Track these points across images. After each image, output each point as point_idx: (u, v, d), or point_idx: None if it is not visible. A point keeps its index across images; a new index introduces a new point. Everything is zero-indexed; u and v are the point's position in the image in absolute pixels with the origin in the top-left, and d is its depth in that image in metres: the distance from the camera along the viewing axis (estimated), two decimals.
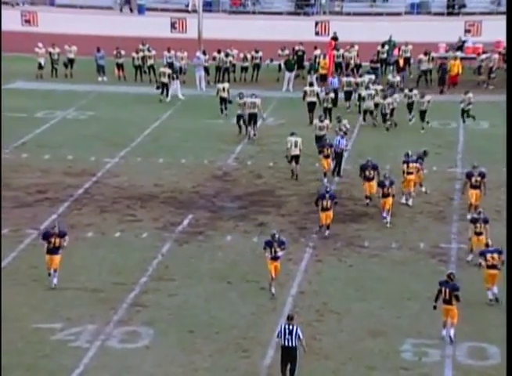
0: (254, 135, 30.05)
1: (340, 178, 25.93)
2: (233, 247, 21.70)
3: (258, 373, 16.18)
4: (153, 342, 17.20)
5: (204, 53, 38.08)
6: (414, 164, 23.76)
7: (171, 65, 37.25)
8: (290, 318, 15.74)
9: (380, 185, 22.82)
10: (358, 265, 20.68)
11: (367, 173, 23.68)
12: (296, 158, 26.04)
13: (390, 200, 22.62)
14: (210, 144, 29.65)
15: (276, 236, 19.14)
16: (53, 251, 19.13)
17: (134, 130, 30.65)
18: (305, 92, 31.91)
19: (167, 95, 35.32)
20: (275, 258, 19.05)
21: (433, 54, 37.50)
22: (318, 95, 31.75)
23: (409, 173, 23.66)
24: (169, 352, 16.88)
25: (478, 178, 22.53)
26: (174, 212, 23.82)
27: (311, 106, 31.67)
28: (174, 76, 35.82)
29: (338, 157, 26.10)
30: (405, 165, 23.69)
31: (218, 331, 17.64)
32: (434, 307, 17.54)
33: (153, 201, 24.66)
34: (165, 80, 35.15)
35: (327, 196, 21.75)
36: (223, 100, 32.68)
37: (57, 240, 19.10)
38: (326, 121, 27.70)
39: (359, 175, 24.09)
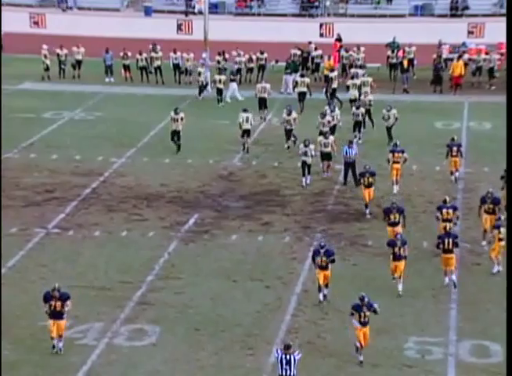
0: (264, 119, 32.31)
1: (358, 186, 24.98)
2: (238, 246, 21.91)
3: (263, 370, 16.36)
4: (160, 340, 17.41)
5: (219, 54, 38.34)
6: (400, 154, 24.94)
7: (225, 69, 37.07)
8: (287, 347, 15.10)
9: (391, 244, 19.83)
10: (362, 264, 20.87)
11: (391, 217, 21.25)
12: (247, 132, 28.60)
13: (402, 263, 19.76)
14: (215, 144, 29.86)
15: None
16: (56, 315, 16.77)
17: (140, 130, 30.89)
18: (296, 83, 34.06)
19: (220, 100, 35.18)
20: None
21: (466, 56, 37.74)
22: (308, 86, 33.66)
23: (395, 162, 24.89)
24: (175, 349, 17.09)
25: (491, 206, 21.71)
26: (180, 212, 24.05)
27: (302, 97, 33.52)
28: (231, 78, 36.03)
29: (351, 166, 25.51)
30: (391, 154, 24.99)
31: (223, 329, 17.85)
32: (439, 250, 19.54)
33: (160, 201, 24.89)
34: (220, 86, 35.04)
35: (322, 252, 18.85)
36: (220, 91, 34.49)
37: (58, 304, 16.76)
38: (331, 138, 26.52)
39: (383, 219, 21.92)
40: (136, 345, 17.25)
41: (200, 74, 36.09)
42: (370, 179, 23.38)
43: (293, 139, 28.95)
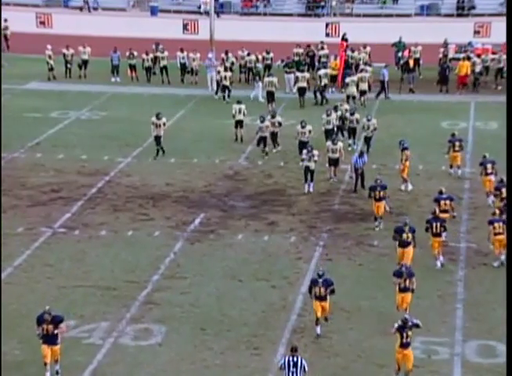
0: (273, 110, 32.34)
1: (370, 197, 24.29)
2: (244, 245, 21.93)
3: (269, 370, 16.36)
4: (165, 339, 17.45)
5: (226, 53, 38.40)
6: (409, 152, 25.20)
7: (232, 66, 37.27)
8: (293, 350, 15.11)
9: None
10: (368, 264, 20.86)
11: (404, 236, 20.18)
12: (240, 123, 29.59)
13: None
14: (221, 144, 29.88)
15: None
16: (49, 340, 15.94)
17: (146, 130, 30.85)
18: (297, 78, 34.62)
19: (228, 96, 35.20)
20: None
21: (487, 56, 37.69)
22: (308, 81, 34.47)
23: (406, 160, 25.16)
24: (181, 349, 17.11)
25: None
26: (186, 211, 24.08)
27: (302, 91, 34.43)
28: (257, 78, 36.07)
29: (360, 174, 25.21)
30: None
31: (229, 329, 17.86)
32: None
33: (165, 200, 24.93)
34: (226, 83, 35.22)
35: (320, 281, 17.53)
36: (225, 88, 34.86)
37: (49, 327, 15.90)
38: (340, 144, 26.04)
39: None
40: (142, 345, 17.28)
41: (219, 72, 36.10)
42: (382, 193, 22.59)
43: (277, 146, 28.75)
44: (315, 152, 25.18)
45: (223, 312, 18.52)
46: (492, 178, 24.27)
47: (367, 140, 28.38)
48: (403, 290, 18.02)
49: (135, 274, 20.22)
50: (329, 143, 26.20)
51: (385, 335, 17.26)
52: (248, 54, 38.59)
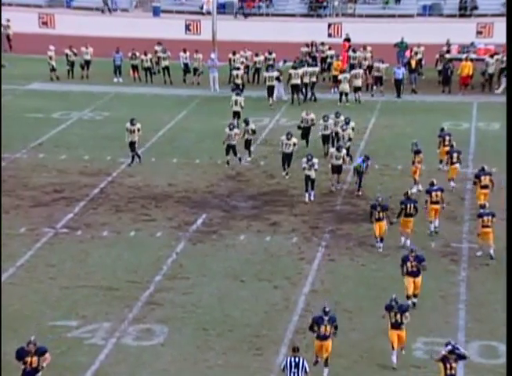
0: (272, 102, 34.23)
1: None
2: (246, 246, 21.93)
3: (271, 370, 16.37)
4: (168, 340, 17.45)
5: (234, 54, 38.40)
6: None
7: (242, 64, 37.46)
8: (295, 350, 14.99)
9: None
10: (371, 265, 20.86)
11: (409, 266, 18.75)
12: (237, 114, 30.62)
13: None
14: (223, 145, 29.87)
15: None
16: (31, 373, 14.91)
17: (149, 131, 30.90)
18: (290, 75, 34.83)
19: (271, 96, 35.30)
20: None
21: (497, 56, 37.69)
22: (302, 78, 34.73)
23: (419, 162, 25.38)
24: (183, 349, 17.12)
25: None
26: (188, 212, 24.09)
27: (295, 89, 34.81)
28: (281, 78, 35.96)
29: (361, 175, 25.04)
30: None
31: (231, 329, 17.87)
32: (391, 223, 21.41)
33: (168, 201, 24.94)
34: (238, 81, 35.69)
35: (326, 319, 16.07)
36: (237, 86, 35.12)
37: (34, 360, 14.85)
38: (344, 151, 25.46)
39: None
40: (144, 345, 17.29)
41: (237, 73, 36.12)
42: (381, 214, 21.25)
43: (250, 154, 28.21)
44: (315, 160, 24.61)
45: (225, 313, 18.53)
46: (449, 149, 25.76)
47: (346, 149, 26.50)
48: (395, 326, 16.35)
49: (137, 274, 20.24)
50: (333, 150, 25.53)
51: (387, 335, 17.26)
52: (256, 54, 38.48)
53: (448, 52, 39.39)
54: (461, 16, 48.15)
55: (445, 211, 23.68)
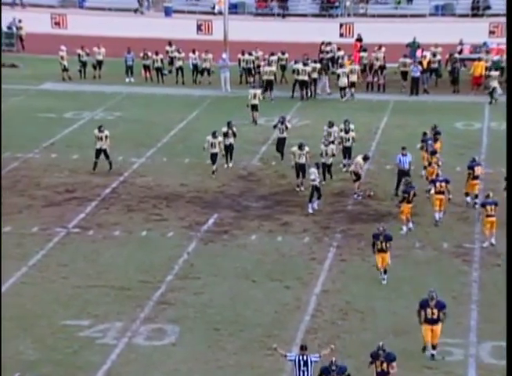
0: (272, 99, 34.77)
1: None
2: (258, 246, 21.94)
3: (283, 370, 16.36)
4: (179, 339, 17.46)
5: (243, 53, 38.41)
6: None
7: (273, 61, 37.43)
8: (303, 348, 15.00)
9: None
10: None
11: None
12: (255, 107, 31.71)
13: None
14: (235, 145, 29.84)
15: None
16: None
17: (160, 131, 30.97)
18: (298, 71, 35.33)
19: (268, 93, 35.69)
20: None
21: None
22: (309, 74, 35.35)
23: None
24: (194, 349, 17.13)
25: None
26: (200, 212, 24.11)
27: (302, 84, 35.43)
28: (323, 71, 36.41)
29: (406, 175, 24.27)
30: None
31: (242, 329, 17.87)
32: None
33: (179, 201, 24.97)
34: (271, 77, 35.97)
35: (334, 373, 14.69)
36: (269, 83, 35.74)
37: None
38: (358, 159, 25.01)
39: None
40: (156, 345, 17.31)
41: (264, 72, 36.21)
42: (384, 244, 19.55)
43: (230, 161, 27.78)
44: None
45: (237, 313, 18.54)
46: (479, 181, 24.31)
47: (347, 151, 26.68)
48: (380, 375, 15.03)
49: (148, 274, 20.27)
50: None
51: (399, 337, 17.25)
52: (272, 54, 38.38)
53: (460, 51, 39.31)
54: (473, 15, 48.05)
55: (456, 212, 23.68)
